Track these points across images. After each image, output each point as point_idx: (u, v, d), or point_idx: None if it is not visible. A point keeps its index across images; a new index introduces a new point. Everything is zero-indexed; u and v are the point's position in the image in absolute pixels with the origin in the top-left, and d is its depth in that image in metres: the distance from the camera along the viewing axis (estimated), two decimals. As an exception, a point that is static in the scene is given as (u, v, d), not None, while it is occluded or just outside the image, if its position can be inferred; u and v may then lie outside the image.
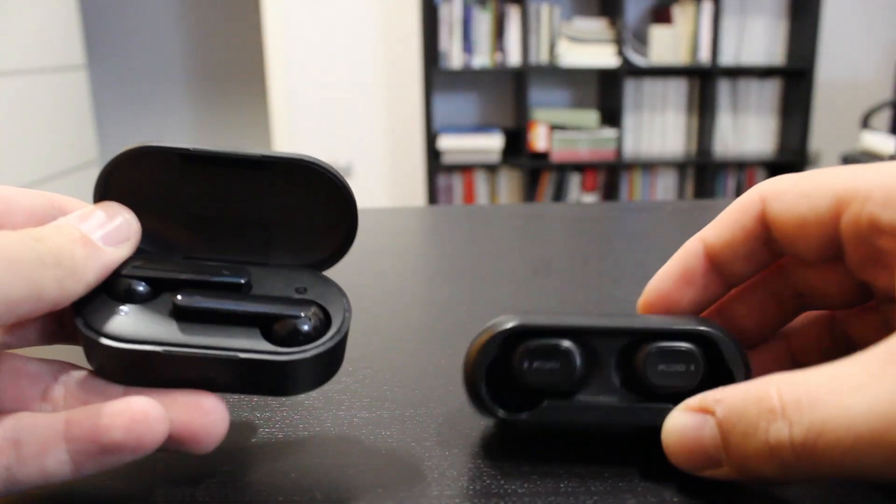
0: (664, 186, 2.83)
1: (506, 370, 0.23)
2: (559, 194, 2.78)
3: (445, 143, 2.66)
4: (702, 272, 0.24)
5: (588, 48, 2.61)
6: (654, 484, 0.22)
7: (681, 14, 2.61)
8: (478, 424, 0.26)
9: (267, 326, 0.22)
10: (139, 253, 0.23)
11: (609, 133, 2.68)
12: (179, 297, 0.22)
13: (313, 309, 0.22)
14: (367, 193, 2.85)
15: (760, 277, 0.25)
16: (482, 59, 2.62)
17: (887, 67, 2.80)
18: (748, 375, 0.22)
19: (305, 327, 0.22)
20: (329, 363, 0.22)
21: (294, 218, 0.24)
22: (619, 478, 0.22)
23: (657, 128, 2.77)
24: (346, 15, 2.71)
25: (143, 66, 3.40)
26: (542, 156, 2.71)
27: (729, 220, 0.24)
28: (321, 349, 0.22)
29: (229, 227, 0.24)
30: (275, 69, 2.72)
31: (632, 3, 2.66)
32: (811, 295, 0.24)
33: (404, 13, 2.70)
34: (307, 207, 0.24)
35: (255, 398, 0.28)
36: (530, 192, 2.75)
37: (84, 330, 0.21)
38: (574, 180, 2.79)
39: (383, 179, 2.86)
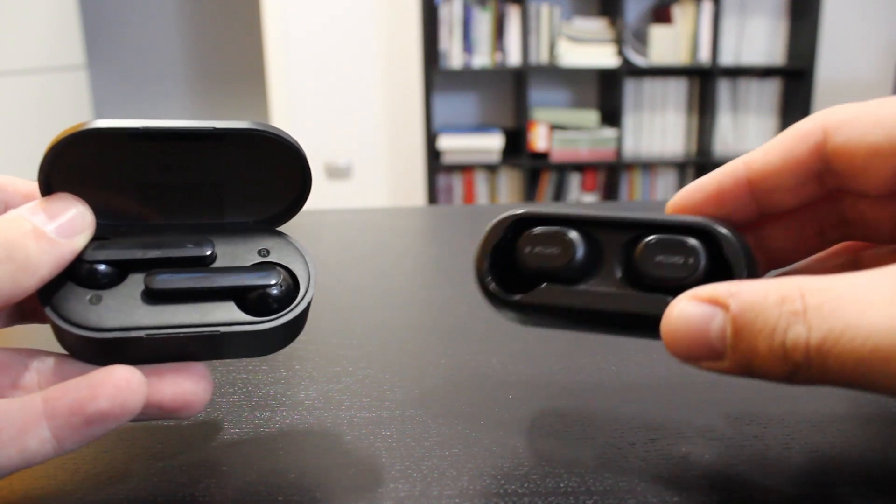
0: (664, 186, 2.83)
1: (515, 264, 0.23)
2: (559, 194, 2.78)
3: (445, 143, 2.66)
4: (736, 195, 0.23)
5: (588, 48, 2.60)
6: (654, 484, 0.22)
7: (681, 14, 2.60)
8: (477, 425, 0.26)
9: (240, 296, 0.22)
10: (97, 229, 0.23)
11: (609, 133, 2.67)
12: (152, 281, 0.22)
13: (283, 275, 0.23)
14: (367, 193, 2.85)
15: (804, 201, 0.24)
16: (482, 59, 2.62)
17: (887, 67, 2.79)
18: (753, 275, 0.21)
19: (277, 294, 0.23)
20: (300, 323, 0.23)
21: (247, 179, 0.24)
22: (619, 478, 0.22)
23: (657, 128, 2.77)
24: (345, 15, 2.71)
25: (143, 66, 3.40)
26: (542, 156, 2.71)
27: (780, 148, 0.23)
28: (295, 314, 0.23)
29: (183, 192, 0.24)
30: (275, 69, 2.72)
31: (632, 3, 2.66)
32: (860, 227, 0.24)
33: (404, 13, 2.69)
34: (260, 169, 0.24)
35: (255, 398, 0.28)
36: (530, 192, 2.75)
37: (59, 322, 0.21)
38: (574, 180, 2.79)
39: (383, 179, 2.85)
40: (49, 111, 2.48)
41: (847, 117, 0.22)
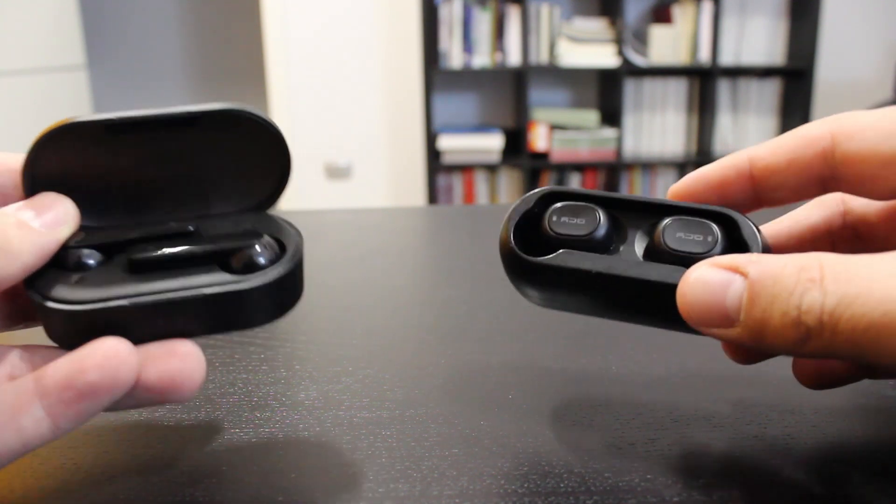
0: (664, 186, 2.83)
1: (540, 237, 0.24)
2: (559, 194, 2.78)
3: (445, 143, 2.66)
4: (738, 188, 0.24)
5: (588, 48, 2.60)
6: (654, 484, 0.22)
7: (681, 14, 2.60)
8: (477, 424, 0.26)
9: (224, 262, 0.22)
10: (82, 229, 0.23)
11: (609, 133, 2.68)
12: (134, 251, 0.22)
13: (266, 238, 0.23)
14: (367, 193, 2.85)
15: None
16: (482, 59, 2.62)
17: (887, 67, 2.79)
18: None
19: (261, 252, 0.22)
20: (290, 287, 0.23)
21: (229, 166, 0.24)
22: (619, 478, 0.22)
23: (657, 128, 2.77)
24: (346, 15, 2.71)
25: (143, 66, 3.40)
26: (542, 156, 2.71)
27: (787, 148, 0.23)
28: (282, 271, 0.22)
29: (167, 185, 0.24)
30: (275, 69, 2.72)
31: (632, 3, 2.66)
32: (869, 236, 0.24)
33: (404, 13, 2.69)
34: (240, 153, 0.24)
35: (255, 398, 0.28)
36: (530, 191, 2.75)
37: (42, 301, 0.21)
38: (574, 180, 2.79)
39: (383, 179, 2.85)
40: (49, 111, 2.48)
41: (858, 126, 0.22)
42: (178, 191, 0.24)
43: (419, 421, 0.26)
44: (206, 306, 0.21)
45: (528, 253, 0.24)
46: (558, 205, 0.24)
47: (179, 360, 0.21)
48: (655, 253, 0.23)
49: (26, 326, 0.24)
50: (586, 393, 0.28)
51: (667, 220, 0.23)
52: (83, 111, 2.70)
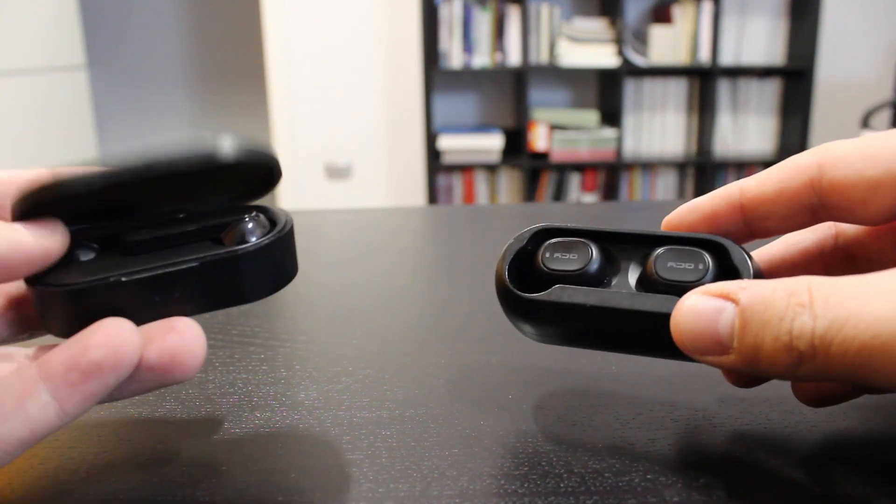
0: (664, 186, 2.83)
1: (535, 273, 0.24)
2: (559, 194, 2.78)
3: (445, 143, 2.66)
4: (730, 218, 0.24)
5: (588, 48, 2.60)
6: (654, 484, 0.22)
7: (681, 14, 2.60)
8: (477, 424, 0.26)
9: (218, 240, 0.22)
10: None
11: (609, 133, 2.68)
12: (128, 234, 0.22)
13: (256, 213, 0.23)
14: (367, 193, 2.85)
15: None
16: (482, 59, 2.62)
17: (887, 67, 2.79)
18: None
19: (252, 225, 0.22)
20: (283, 259, 0.23)
21: (219, 180, 0.23)
22: (619, 478, 0.22)
23: (657, 128, 2.77)
24: (346, 15, 2.71)
25: (143, 67, 3.40)
26: (542, 156, 2.71)
27: (776, 179, 0.24)
28: (272, 239, 0.22)
29: (157, 201, 0.23)
30: (275, 69, 2.72)
31: (632, 3, 2.66)
32: (861, 257, 0.25)
33: (404, 13, 2.69)
34: (230, 173, 0.23)
35: (255, 398, 0.28)
36: (530, 192, 2.75)
37: (42, 287, 0.21)
38: (574, 180, 2.79)
39: (383, 179, 2.85)
40: (49, 111, 2.48)
41: (843, 152, 0.22)
42: (168, 205, 0.24)
43: (419, 421, 0.26)
44: (201, 277, 0.21)
45: (524, 289, 0.24)
46: (551, 241, 0.25)
47: (178, 335, 0.21)
48: (648, 283, 0.23)
49: (31, 336, 0.24)
50: (586, 393, 0.28)
51: (658, 251, 0.23)
52: (83, 111, 2.69)
